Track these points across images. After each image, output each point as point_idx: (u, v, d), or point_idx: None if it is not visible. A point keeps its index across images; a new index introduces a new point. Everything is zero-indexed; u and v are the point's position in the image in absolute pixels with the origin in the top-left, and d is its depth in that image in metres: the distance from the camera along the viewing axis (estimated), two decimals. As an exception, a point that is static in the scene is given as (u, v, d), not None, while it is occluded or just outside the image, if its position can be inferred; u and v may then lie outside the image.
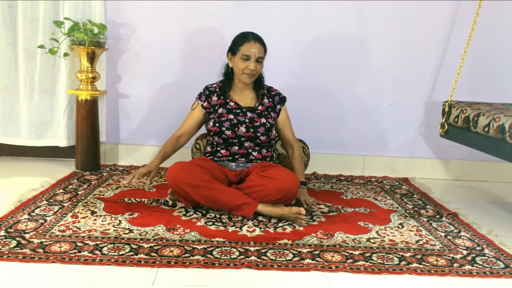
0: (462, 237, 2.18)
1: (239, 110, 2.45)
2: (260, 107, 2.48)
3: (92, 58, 2.82)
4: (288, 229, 2.14)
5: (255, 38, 2.40)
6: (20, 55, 2.91)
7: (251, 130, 2.39)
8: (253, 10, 3.03)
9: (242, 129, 2.39)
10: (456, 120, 2.67)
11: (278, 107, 2.52)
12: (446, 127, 2.77)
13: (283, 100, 2.56)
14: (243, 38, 2.39)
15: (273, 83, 3.11)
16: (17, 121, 3.01)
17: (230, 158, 2.42)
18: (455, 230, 2.26)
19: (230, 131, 2.38)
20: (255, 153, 2.43)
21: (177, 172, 2.22)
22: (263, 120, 2.43)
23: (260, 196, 2.22)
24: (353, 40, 3.11)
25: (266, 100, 2.51)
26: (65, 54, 2.85)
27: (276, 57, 3.10)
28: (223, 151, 2.42)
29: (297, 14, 3.06)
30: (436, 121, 2.96)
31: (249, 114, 2.44)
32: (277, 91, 2.57)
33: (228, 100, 2.47)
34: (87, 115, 2.88)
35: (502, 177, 3.28)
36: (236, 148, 2.41)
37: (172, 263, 1.75)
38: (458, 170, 3.31)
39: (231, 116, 2.42)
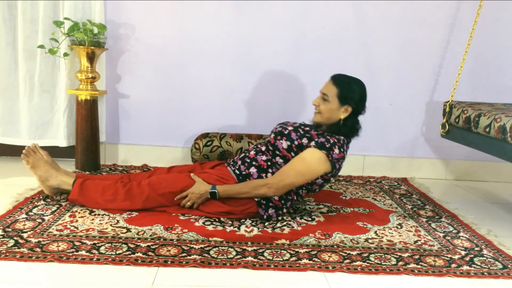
0: (461, 237, 2.17)
1: None
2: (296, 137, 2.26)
3: (92, 58, 2.82)
4: (286, 230, 2.13)
5: (332, 76, 2.30)
6: (20, 55, 2.91)
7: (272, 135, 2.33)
8: (253, 10, 3.03)
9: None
10: (457, 120, 2.66)
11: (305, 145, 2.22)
12: (447, 127, 2.76)
13: (313, 146, 2.19)
14: None
15: (273, 83, 3.13)
16: (17, 121, 3.01)
17: None
18: (454, 231, 2.25)
19: None
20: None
21: None
22: (279, 136, 2.27)
23: None
24: (353, 40, 3.11)
25: (306, 140, 2.24)
26: (65, 54, 2.85)
27: (276, 57, 3.10)
28: None
29: (297, 14, 3.06)
30: (437, 121, 2.95)
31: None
32: (319, 140, 2.19)
33: None
34: (87, 115, 2.88)
35: (502, 177, 3.27)
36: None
37: (169, 262, 1.75)
38: (458, 170, 3.30)
39: None
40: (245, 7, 3.03)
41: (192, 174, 2.28)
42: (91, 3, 2.90)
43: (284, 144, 2.24)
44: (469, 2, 2.99)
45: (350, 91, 2.25)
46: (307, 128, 2.30)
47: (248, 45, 3.08)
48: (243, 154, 2.37)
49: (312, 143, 2.20)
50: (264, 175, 2.25)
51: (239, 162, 2.32)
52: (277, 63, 3.11)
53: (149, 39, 3.04)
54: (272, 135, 2.32)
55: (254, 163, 2.28)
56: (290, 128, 2.29)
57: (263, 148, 2.32)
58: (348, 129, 2.28)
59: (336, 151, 2.18)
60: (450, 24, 3.10)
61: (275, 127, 2.39)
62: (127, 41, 3.04)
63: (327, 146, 2.17)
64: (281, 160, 2.26)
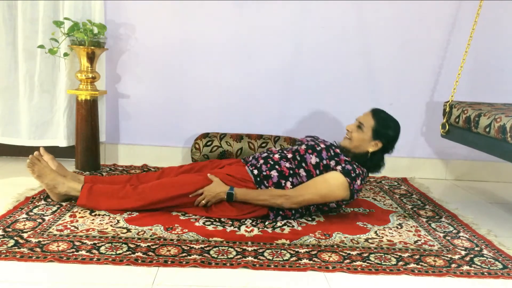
0: (461, 237, 2.17)
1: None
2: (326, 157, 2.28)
3: (92, 58, 2.82)
4: (287, 229, 2.13)
5: (373, 109, 2.38)
6: (20, 55, 2.91)
7: (304, 146, 2.32)
8: (253, 10, 3.03)
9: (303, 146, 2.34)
10: (457, 120, 2.66)
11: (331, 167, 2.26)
12: (447, 127, 2.76)
13: (339, 170, 2.22)
14: None
15: (273, 83, 3.13)
16: (17, 121, 3.01)
17: None
18: (454, 231, 2.25)
19: None
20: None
21: None
22: (310, 150, 2.28)
23: None
24: (353, 40, 3.11)
25: (334, 162, 2.27)
26: (65, 54, 2.85)
27: (276, 57, 3.10)
28: None
29: (297, 14, 3.06)
30: (437, 121, 2.95)
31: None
32: (346, 167, 2.22)
33: None
34: (87, 115, 2.88)
35: (502, 177, 3.28)
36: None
37: (169, 262, 1.75)
38: (458, 170, 3.30)
39: None
40: (245, 8, 3.03)
41: (209, 174, 2.28)
42: (91, 3, 2.91)
43: (313, 160, 2.26)
44: (469, 2, 2.99)
45: (386, 127, 2.32)
46: (338, 151, 2.32)
47: (248, 45, 3.08)
48: (265, 154, 2.36)
49: (339, 168, 2.22)
50: (283, 181, 2.25)
51: (261, 161, 2.31)
52: (277, 63, 3.11)
53: (149, 39, 3.04)
54: (304, 147, 2.32)
55: (277, 167, 2.28)
56: (322, 145, 2.31)
57: (289, 156, 2.31)
58: (373, 163, 2.33)
59: (358, 182, 2.23)
60: (450, 24, 3.11)
61: (305, 139, 2.41)
62: (127, 41, 3.04)
63: (352, 175, 2.21)
64: (304, 173, 2.27)
